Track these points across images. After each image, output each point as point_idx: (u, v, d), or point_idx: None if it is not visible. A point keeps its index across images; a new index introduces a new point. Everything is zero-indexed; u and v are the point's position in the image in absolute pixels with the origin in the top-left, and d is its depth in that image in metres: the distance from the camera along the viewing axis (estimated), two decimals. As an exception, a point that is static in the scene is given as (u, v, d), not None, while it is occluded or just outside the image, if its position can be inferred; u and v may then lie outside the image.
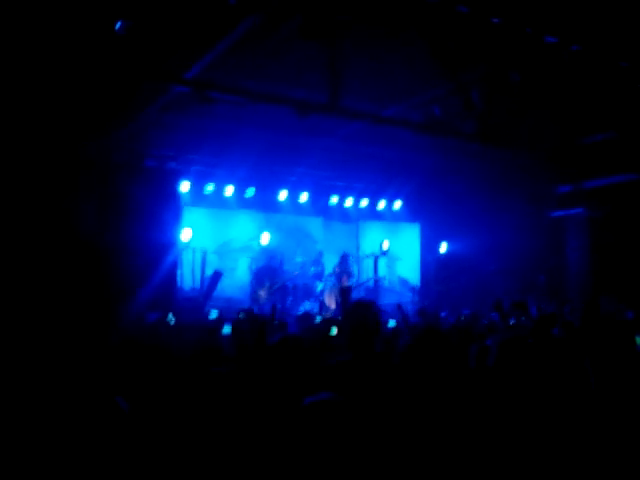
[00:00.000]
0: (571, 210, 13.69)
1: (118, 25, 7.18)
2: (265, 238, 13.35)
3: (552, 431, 3.07)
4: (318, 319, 8.06)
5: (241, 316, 6.84)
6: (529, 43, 8.28)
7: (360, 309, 3.73)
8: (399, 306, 7.42)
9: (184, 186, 12.39)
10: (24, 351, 4.19)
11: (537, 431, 3.14)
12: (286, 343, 3.36)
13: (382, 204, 15.07)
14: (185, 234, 12.05)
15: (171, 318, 7.37)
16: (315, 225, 14.79)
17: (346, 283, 13.19)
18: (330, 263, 13.82)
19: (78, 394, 2.97)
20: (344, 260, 13.42)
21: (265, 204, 13.73)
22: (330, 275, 13.42)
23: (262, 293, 12.70)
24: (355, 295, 13.64)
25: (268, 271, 12.86)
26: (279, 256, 13.59)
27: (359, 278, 14.48)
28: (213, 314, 7.38)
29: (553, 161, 12.42)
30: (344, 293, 4.52)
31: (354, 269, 13.95)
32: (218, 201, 13.26)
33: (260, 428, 2.86)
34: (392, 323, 8.17)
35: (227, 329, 6.39)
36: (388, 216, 15.37)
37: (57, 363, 3.85)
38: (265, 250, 13.33)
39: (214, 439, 2.86)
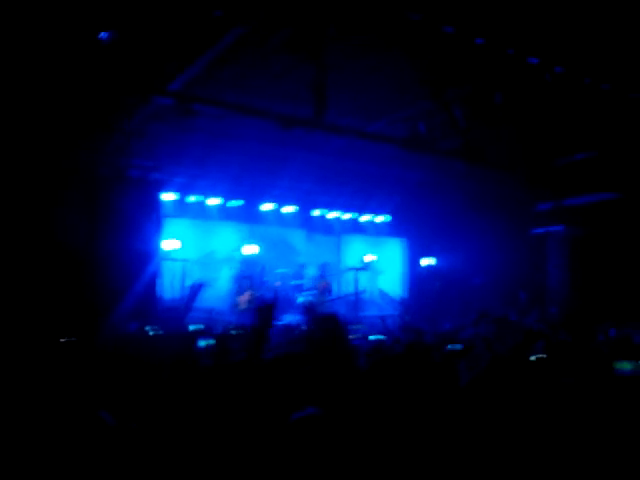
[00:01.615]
0: (551, 227, 13.85)
1: (103, 36, 7.18)
2: (247, 249, 13.34)
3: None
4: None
5: (233, 332, 6.79)
6: (512, 64, 8.40)
7: (324, 323, 3.76)
8: (382, 319, 7.47)
9: (167, 197, 12.37)
10: (4, 361, 4.15)
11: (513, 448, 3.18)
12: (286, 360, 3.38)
13: (366, 218, 15.14)
14: (170, 244, 12.03)
15: (150, 328, 7.34)
16: (298, 237, 14.80)
17: (325, 292, 13.24)
18: (312, 276, 13.86)
19: (59, 404, 2.96)
20: (323, 269, 13.49)
21: (248, 215, 13.73)
22: (311, 288, 13.45)
23: (241, 301, 12.66)
24: (337, 308, 13.73)
25: (248, 279, 12.84)
26: (259, 266, 13.58)
27: (339, 291, 14.51)
28: (195, 327, 7.33)
29: (534, 179, 12.55)
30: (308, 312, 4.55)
31: (332, 280, 13.99)
32: (201, 212, 13.24)
33: (245, 441, 2.88)
34: (372, 337, 8.18)
35: (203, 342, 6.37)
36: (371, 230, 15.44)
37: (37, 372, 3.83)
38: (246, 260, 13.32)
39: (195, 449, 2.87)
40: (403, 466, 2.84)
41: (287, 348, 4.44)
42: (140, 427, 2.89)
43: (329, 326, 3.79)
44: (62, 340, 6.45)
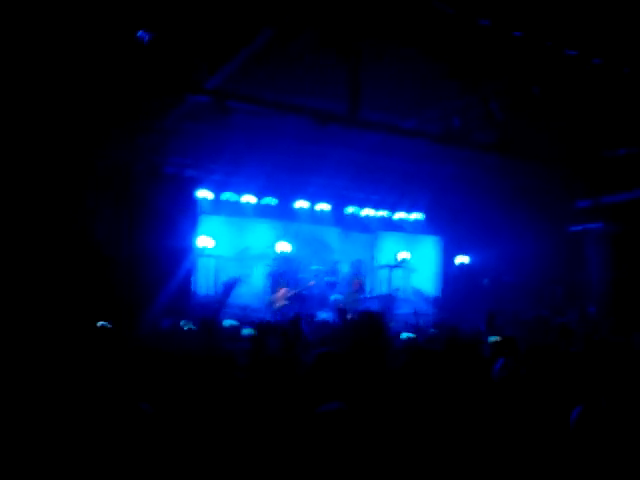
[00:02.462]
0: (590, 225, 13.58)
1: (140, 35, 7.27)
2: (281, 246, 13.37)
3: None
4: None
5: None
6: (550, 56, 8.25)
7: (367, 319, 3.75)
8: (415, 312, 7.41)
9: (203, 194, 12.48)
10: (42, 358, 4.23)
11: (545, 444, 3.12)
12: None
13: (400, 215, 15.05)
14: (205, 242, 12.13)
15: (184, 323, 7.41)
16: (332, 235, 14.78)
17: (358, 290, 13.18)
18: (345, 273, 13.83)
19: (96, 399, 3.00)
20: (356, 266, 13.43)
21: (283, 213, 13.76)
22: (344, 286, 13.43)
23: (276, 298, 12.70)
24: (370, 306, 13.67)
25: (284, 277, 12.86)
26: (295, 264, 13.60)
27: (373, 288, 14.45)
28: (230, 323, 7.38)
29: (572, 175, 12.33)
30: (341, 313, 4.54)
31: (366, 278, 13.92)
32: (236, 209, 13.32)
33: (273, 433, 2.88)
34: (404, 335, 8.14)
35: (246, 331, 6.40)
36: (407, 227, 15.34)
37: (74, 370, 3.89)
38: (281, 257, 13.34)
39: (227, 442, 2.89)
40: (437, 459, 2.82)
41: (322, 346, 4.43)
42: (172, 415, 2.92)
43: (372, 323, 3.78)
44: (98, 325, 6.58)
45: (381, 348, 3.59)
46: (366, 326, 3.67)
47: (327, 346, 5.50)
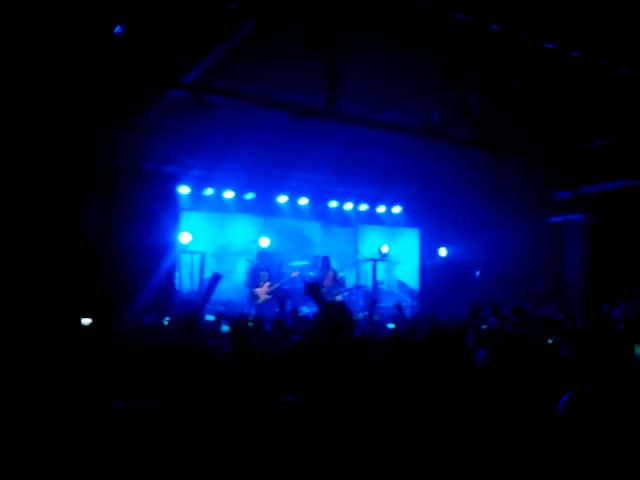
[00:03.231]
0: (570, 216, 13.70)
1: (117, 30, 7.22)
2: (264, 242, 13.37)
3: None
4: None
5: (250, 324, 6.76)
6: (528, 49, 8.30)
7: (332, 311, 3.77)
8: (398, 306, 7.43)
9: (183, 190, 12.43)
10: (20, 352, 4.20)
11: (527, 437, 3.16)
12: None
13: (381, 209, 15.09)
14: (184, 237, 12.08)
15: (168, 320, 7.38)
16: (314, 229, 14.80)
17: (334, 285, 13.18)
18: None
19: (75, 396, 2.99)
20: (325, 262, 13.45)
21: (264, 208, 13.75)
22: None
23: (259, 293, 12.70)
24: (355, 299, 13.72)
25: (264, 271, 12.86)
26: (277, 259, 13.59)
27: (358, 281, 14.49)
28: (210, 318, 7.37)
29: (551, 167, 12.43)
30: (312, 290, 4.45)
31: (342, 274, 13.95)
32: (217, 205, 13.28)
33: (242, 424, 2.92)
34: (391, 325, 8.18)
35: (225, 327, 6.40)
36: (387, 220, 15.38)
37: (53, 365, 3.87)
38: (263, 252, 13.34)
39: (208, 436, 2.90)
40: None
41: (300, 338, 4.45)
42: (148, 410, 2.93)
43: (335, 315, 3.79)
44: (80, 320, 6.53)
45: (347, 339, 3.61)
46: (328, 318, 3.69)
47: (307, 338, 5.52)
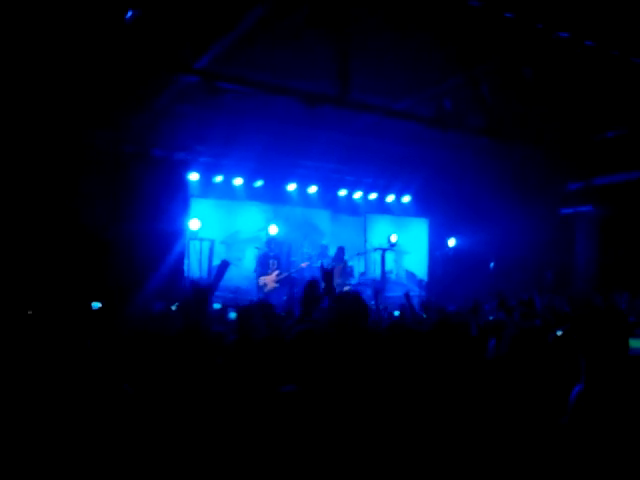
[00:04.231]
0: (580, 207, 13.61)
1: (128, 15, 7.19)
2: (272, 229, 13.37)
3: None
4: None
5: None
6: (541, 38, 8.22)
7: (347, 301, 3.75)
8: (406, 295, 7.40)
9: (192, 176, 12.42)
10: (31, 340, 4.22)
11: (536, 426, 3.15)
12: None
13: (390, 198, 15.05)
14: (193, 224, 12.08)
15: (176, 307, 7.40)
16: (323, 218, 14.78)
17: (344, 275, 13.18)
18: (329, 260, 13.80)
19: (86, 382, 3.01)
20: (338, 253, 13.42)
21: (273, 196, 13.73)
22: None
23: (268, 280, 12.70)
24: (362, 289, 13.69)
25: (273, 259, 12.86)
26: (286, 246, 13.58)
27: (367, 271, 14.48)
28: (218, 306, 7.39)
29: (563, 157, 12.34)
30: (327, 277, 4.46)
31: (352, 263, 13.93)
32: (226, 192, 13.27)
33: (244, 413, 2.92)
34: (397, 313, 8.16)
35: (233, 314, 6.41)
36: (396, 210, 15.34)
37: (64, 352, 3.89)
38: (272, 240, 13.34)
39: (209, 423, 2.91)
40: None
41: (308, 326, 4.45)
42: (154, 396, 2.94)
43: (351, 305, 3.78)
44: (89, 320, 6.55)
45: (357, 329, 3.59)
46: (339, 308, 3.68)
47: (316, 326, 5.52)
